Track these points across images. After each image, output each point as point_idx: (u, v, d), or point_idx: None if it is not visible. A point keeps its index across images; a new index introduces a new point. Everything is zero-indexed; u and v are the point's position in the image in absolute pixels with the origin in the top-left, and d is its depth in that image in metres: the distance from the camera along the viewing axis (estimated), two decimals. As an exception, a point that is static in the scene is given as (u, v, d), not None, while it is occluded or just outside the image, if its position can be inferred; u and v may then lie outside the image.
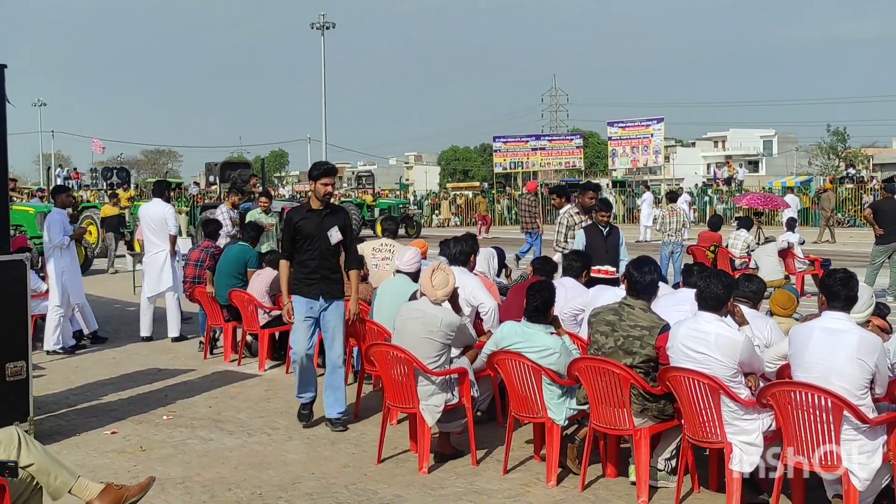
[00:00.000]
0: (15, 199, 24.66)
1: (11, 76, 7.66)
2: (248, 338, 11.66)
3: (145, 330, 13.17)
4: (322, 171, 8.22)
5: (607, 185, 49.98)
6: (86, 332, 12.71)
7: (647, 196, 35.03)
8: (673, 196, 22.07)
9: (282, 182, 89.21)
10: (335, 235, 8.16)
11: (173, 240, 13.03)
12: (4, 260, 7.62)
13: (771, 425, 5.93)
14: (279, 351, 11.33)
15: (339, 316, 8.26)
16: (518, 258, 20.93)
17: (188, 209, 31.47)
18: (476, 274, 9.50)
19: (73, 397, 9.64)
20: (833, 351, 5.62)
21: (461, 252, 8.75)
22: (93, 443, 7.98)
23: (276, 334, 11.25)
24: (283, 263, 8.36)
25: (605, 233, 10.69)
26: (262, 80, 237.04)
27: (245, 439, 8.07)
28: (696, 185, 59.23)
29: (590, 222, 11.19)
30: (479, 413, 7.98)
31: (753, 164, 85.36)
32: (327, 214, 8.21)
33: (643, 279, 6.74)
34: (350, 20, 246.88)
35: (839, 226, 41.87)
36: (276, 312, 10.93)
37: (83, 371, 10.97)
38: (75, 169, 55.84)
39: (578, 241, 10.78)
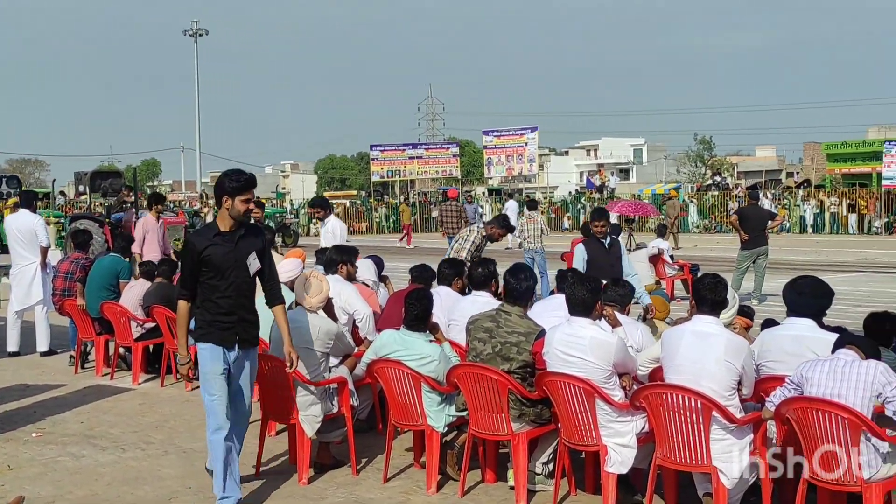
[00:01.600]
0: None
1: None
2: (121, 351, 11.38)
3: (12, 345, 12.72)
4: (242, 183, 6.31)
5: (483, 193, 50.51)
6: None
7: (510, 204, 35.46)
8: (532, 204, 22.44)
9: (154, 192, 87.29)
10: (254, 264, 6.47)
11: (44, 251, 12.70)
12: None
13: (644, 427, 6.06)
14: (153, 364, 11.10)
15: (255, 367, 6.68)
16: None
17: (57, 220, 30.54)
18: (360, 282, 9.51)
19: (-66, 416, 9.25)
20: (702, 353, 5.78)
21: (331, 261, 8.84)
22: (-43, 463, 7.67)
23: (150, 347, 11.03)
24: (183, 305, 6.44)
25: (606, 245, 10.05)
26: (133, 87, 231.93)
27: (119, 455, 7.86)
28: (570, 192, 60.39)
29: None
30: (358, 422, 7.94)
31: (624, 173, 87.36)
32: (241, 237, 6.39)
33: (519, 286, 6.81)
34: (224, 27, 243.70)
35: (707, 231, 43.29)
36: (149, 325, 10.74)
37: (-55, 388, 10.53)
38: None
39: (578, 256, 10.13)
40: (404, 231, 39.83)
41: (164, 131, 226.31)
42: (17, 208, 13.95)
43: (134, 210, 25.06)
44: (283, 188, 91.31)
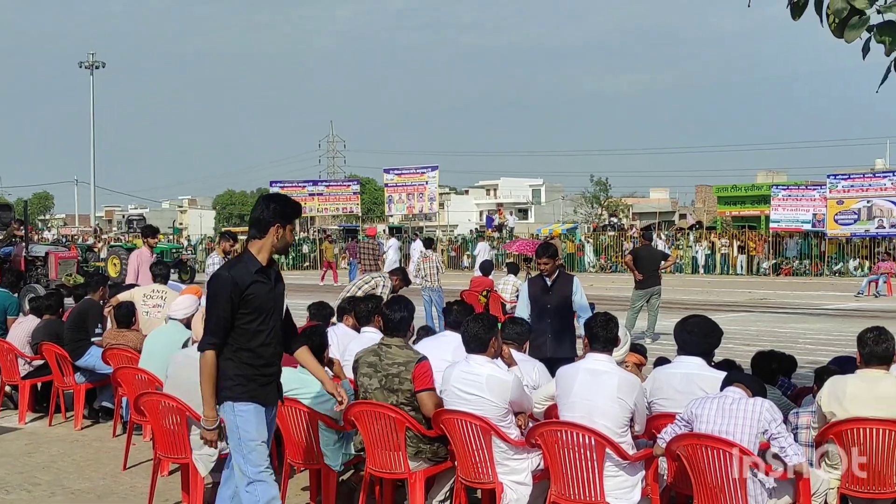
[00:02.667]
0: None
1: None
2: (7, 389, 11.03)
3: None
4: (295, 209, 5.64)
5: (384, 230, 50.48)
6: None
7: (416, 244, 35.47)
8: (428, 243, 22.70)
9: (46, 225, 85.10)
10: (284, 307, 5.73)
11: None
12: None
13: (539, 464, 6.10)
14: (41, 403, 10.78)
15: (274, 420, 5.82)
16: None
17: None
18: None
19: None
20: (596, 391, 5.86)
21: None
22: None
23: (38, 385, 10.71)
24: (212, 356, 5.33)
25: (548, 283, 9.23)
26: (25, 119, 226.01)
27: (2, 497, 7.58)
28: (470, 231, 60.78)
29: None
30: (254, 461, 7.82)
31: (523, 212, 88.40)
32: (277, 275, 5.60)
33: (394, 316, 6.79)
34: (122, 60, 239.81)
35: (603, 271, 43.97)
36: (37, 362, 10.45)
37: None
38: None
39: (522, 295, 9.50)
40: (325, 268, 39.00)
41: (58, 164, 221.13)
42: None
43: (24, 244, 24.44)
44: (181, 223, 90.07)
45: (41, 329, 10.57)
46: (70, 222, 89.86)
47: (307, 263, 50.54)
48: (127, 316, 10.18)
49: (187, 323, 8.56)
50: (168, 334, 8.54)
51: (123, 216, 61.71)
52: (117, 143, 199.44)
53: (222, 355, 5.31)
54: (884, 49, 4.39)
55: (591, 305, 14.89)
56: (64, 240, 49.24)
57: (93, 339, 10.28)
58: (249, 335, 5.34)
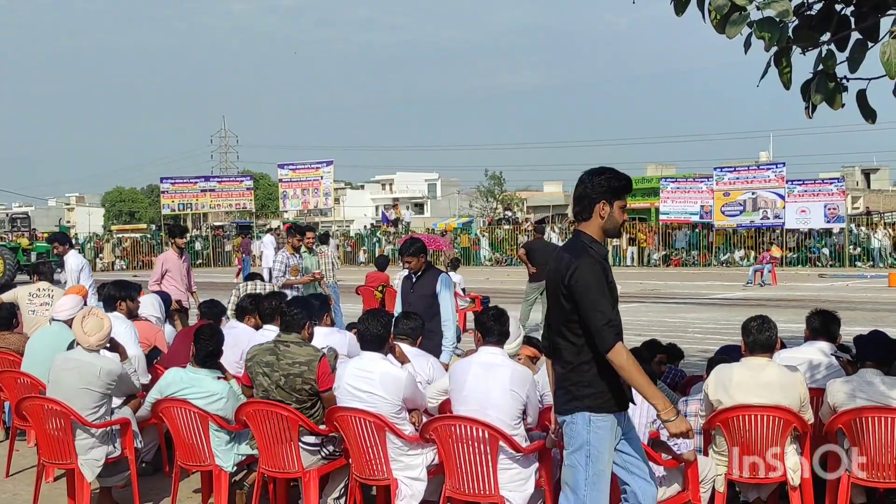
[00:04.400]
0: None
1: None
2: None
3: None
4: (626, 183, 4.81)
5: (278, 227, 49.99)
6: None
7: (267, 238, 35.08)
8: (324, 238, 22.62)
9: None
10: None
11: None
12: None
13: (434, 459, 6.10)
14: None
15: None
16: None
17: None
18: (144, 318, 9.23)
19: None
20: (488, 384, 5.86)
21: (110, 297, 8.63)
22: None
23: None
24: (623, 346, 4.54)
25: (412, 280, 9.01)
26: None
27: None
28: (365, 226, 60.64)
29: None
30: (143, 465, 7.66)
31: (419, 206, 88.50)
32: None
33: (290, 311, 6.78)
34: (7, 56, 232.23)
35: (498, 265, 44.32)
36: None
37: None
38: None
39: (399, 291, 9.36)
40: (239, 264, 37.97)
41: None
42: None
43: None
44: (68, 221, 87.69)
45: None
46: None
47: (200, 261, 49.71)
48: (7, 318, 9.86)
49: (71, 324, 8.32)
50: (52, 335, 8.29)
51: (7, 214, 59.62)
52: (3, 136, 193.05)
53: (583, 357, 4.63)
54: (764, 44, 4.47)
55: (485, 299, 14.98)
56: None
57: (-28, 343, 9.94)
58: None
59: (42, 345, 8.27)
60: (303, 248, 13.04)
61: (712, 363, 6.95)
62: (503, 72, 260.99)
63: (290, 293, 11.04)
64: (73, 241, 12.82)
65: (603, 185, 4.69)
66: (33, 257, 32.52)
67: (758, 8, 4.31)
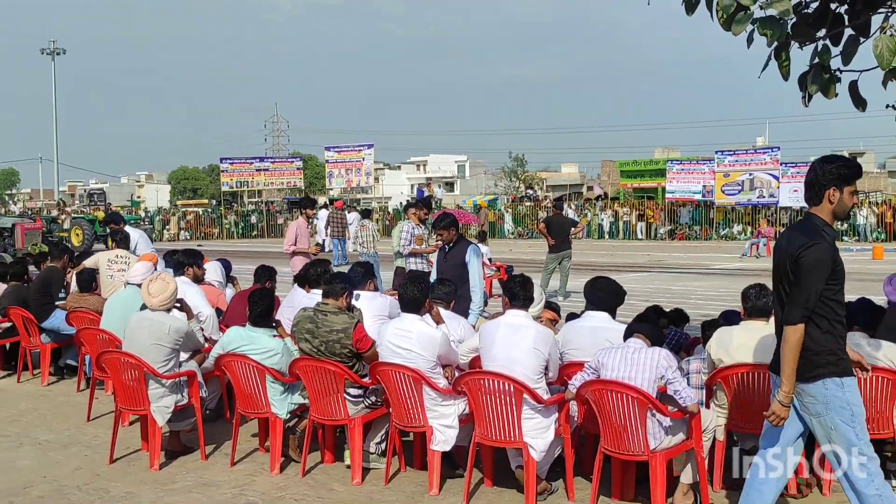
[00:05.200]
0: None
1: None
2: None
3: None
4: (856, 170, 4.56)
5: (325, 203, 50.11)
6: None
7: (322, 212, 35.25)
8: (366, 213, 22.84)
9: (13, 199, 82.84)
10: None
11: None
12: None
13: (465, 409, 6.12)
14: (9, 362, 10.54)
15: None
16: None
17: None
18: (208, 283, 9.30)
19: None
20: (514, 343, 5.88)
21: (179, 263, 8.78)
22: None
23: (7, 345, 10.47)
24: (802, 329, 4.41)
25: (445, 251, 9.03)
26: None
27: (-26, 448, 7.41)
28: (401, 203, 60.56)
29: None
30: (207, 411, 7.72)
31: (450, 185, 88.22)
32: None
33: (331, 282, 6.82)
34: (81, 46, 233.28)
35: (520, 237, 44.22)
36: (5, 325, 10.23)
37: None
38: None
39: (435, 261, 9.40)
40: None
41: (23, 143, 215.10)
42: None
43: (-7, 216, 23.75)
44: (139, 197, 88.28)
45: (8, 294, 10.36)
46: (35, 196, 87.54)
47: (255, 232, 50.04)
48: (88, 281, 10.00)
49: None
50: (127, 297, 8.37)
51: (85, 190, 60.16)
52: (79, 123, 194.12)
53: (818, 329, 4.42)
54: (766, 40, 4.43)
55: (509, 268, 14.95)
56: (29, 213, 48.04)
57: (57, 303, 10.08)
58: (837, 307, 4.49)
59: (118, 305, 8.37)
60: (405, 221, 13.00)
61: (705, 326, 6.94)
62: (526, 62, 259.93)
63: (414, 263, 11.73)
64: (125, 220, 13.31)
65: (833, 173, 4.48)
66: (108, 229, 32.75)
67: (761, 7, 4.27)
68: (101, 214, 35.95)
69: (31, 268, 12.09)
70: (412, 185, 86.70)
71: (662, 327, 7.29)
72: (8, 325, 10.25)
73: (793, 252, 4.40)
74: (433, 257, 10.23)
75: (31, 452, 7.28)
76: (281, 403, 6.72)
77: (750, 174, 39.82)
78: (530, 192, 58.14)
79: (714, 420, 5.97)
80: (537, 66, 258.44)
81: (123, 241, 11.18)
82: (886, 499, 4.39)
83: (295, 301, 8.09)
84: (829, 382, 4.41)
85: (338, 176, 49.76)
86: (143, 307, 7.31)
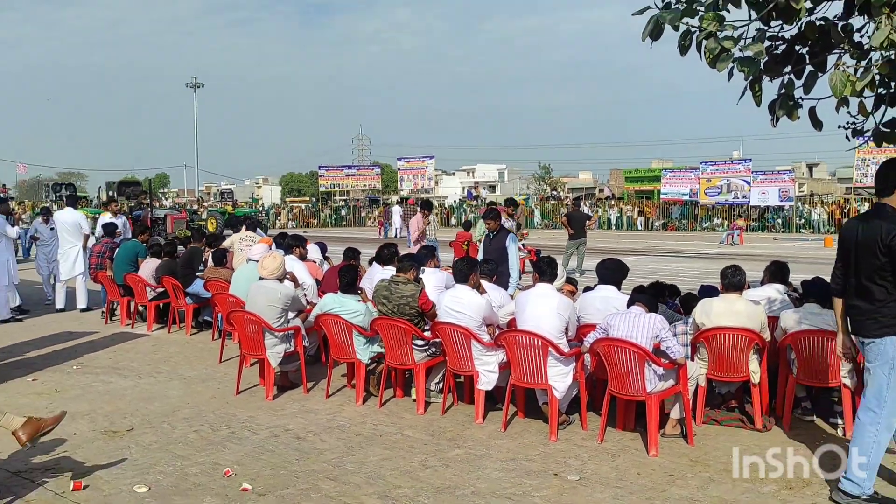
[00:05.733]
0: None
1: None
2: (139, 308, 11.00)
3: (60, 303, 12.24)
4: None
5: (397, 200, 50.27)
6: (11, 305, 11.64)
7: (395, 208, 35.45)
8: (426, 205, 22.93)
9: (164, 196, 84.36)
10: None
11: (87, 237, 12.38)
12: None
13: (503, 358, 6.11)
14: (162, 317, 10.75)
15: None
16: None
17: (93, 216, 29.33)
18: (310, 260, 9.38)
19: (1, 354, 8.78)
20: (542, 308, 5.85)
21: (288, 245, 8.89)
22: (18, 388, 7.30)
23: (160, 305, 10.69)
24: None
25: (490, 237, 8.93)
26: (150, 121, 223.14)
27: (137, 381, 7.59)
28: (455, 201, 60.53)
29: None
30: (309, 357, 7.82)
31: (493, 188, 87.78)
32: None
33: (402, 259, 6.86)
34: (218, 80, 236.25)
35: (547, 228, 43.87)
36: (159, 290, 10.44)
37: (9, 335, 10.01)
38: (3, 185, 50.87)
39: (481, 245, 9.34)
40: (381, 225, 38.44)
41: (172, 153, 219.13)
42: (64, 207, 13.43)
43: (149, 209, 24.25)
44: (257, 196, 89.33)
45: (161, 267, 10.54)
46: (181, 194, 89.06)
47: (344, 223, 50.39)
48: (220, 258, 10.16)
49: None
50: (249, 270, 8.49)
51: (218, 190, 61.27)
52: (214, 138, 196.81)
53: (892, 296, 4.25)
54: (744, 76, 4.34)
55: (538, 251, 14.80)
56: (177, 206, 48.93)
57: (197, 274, 10.26)
58: None
59: (243, 276, 8.47)
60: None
61: (685, 300, 6.85)
62: (555, 93, 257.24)
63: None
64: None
65: None
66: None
67: (740, 49, 4.18)
68: (229, 208, 36.56)
69: (179, 247, 12.34)
70: (463, 188, 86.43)
71: (667, 297, 7.18)
72: (161, 289, 10.47)
73: (884, 238, 4.20)
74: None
75: (179, 385, 7.45)
76: (364, 351, 6.76)
77: (727, 180, 39.00)
78: (555, 193, 57.58)
79: (697, 370, 5.89)
80: (562, 96, 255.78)
81: (251, 227, 11.44)
82: (880, 445, 4.30)
83: (373, 274, 8.15)
84: (889, 340, 4.26)
85: (407, 180, 49.82)
86: (261, 277, 7.42)
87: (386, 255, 8.13)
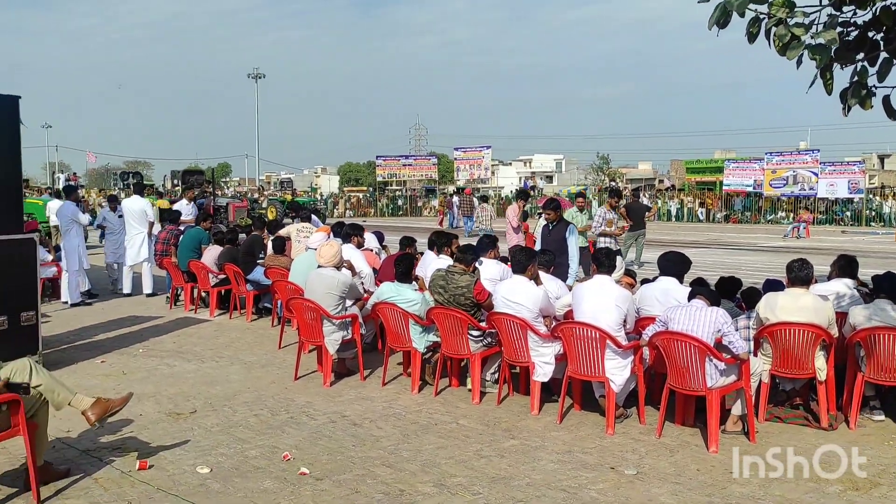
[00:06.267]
0: (27, 194, 23.15)
1: (22, 104, 7.16)
2: (202, 294, 11.28)
3: (126, 288, 12.66)
4: None
5: (454, 190, 50.36)
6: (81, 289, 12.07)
7: (455, 199, 35.27)
8: (484, 198, 23.29)
9: (226, 185, 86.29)
10: None
11: (151, 225, 12.74)
12: (20, 238, 7.17)
13: (560, 350, 6.07)
14: (224, 303, 11.00)
15: None
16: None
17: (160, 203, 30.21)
18: (368, 249, 9.46)
19: (71, 337, 9.13)
20: (600, 301, 5.79)
21: (346, 234, 8.92)
22: (87, 369, 7.58)
23: (222, 291, 10.93)
24: None
25: (549, 228, 9.06)
26: (212, 111, 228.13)
27: (199, 365, 7.80)
28: (511, 191, 60.26)
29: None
30: (366, 344, 7.90)
31: (549, 178, 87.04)
32: None
33: (463, 251, 6.82)
34: (277, 71, 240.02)
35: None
36: (221, 276, 10.66)
37: (79, 319, 10.40)
38: (74, 173, 52.88)
39: (537, 235, 9.43)
40: (441, 215, 38.38)
41: (234, 143, 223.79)
42: (131, 194, 13.88)
43: (212, 197, 24.83)
44: (316, 185, 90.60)
45: (223, 254, 10.74)
46: (243, 183, 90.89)
47: (401, 212, 50.71)
48: (280, 246, 10.32)
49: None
50: (307, 258, 8.61)
51: (278, 179, 62.45)
52: (274, 128, 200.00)
53: None
54: (815, 63, 4.19)
55: (596, 243, 14.59)
56: (238, 195, 49.93)
57: (258, 262, 10.45)
58: None
59: (302, 265, 8.58)
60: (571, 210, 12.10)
61: (747, 293, 6.68)
62: (606, 84, 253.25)
63: (603, 241, 11.39)
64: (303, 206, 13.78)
65: None
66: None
67: (811, 36, 4.04)
68: (288, 197, 37.15)
69: (241, 235, 12.60)
70: (520, 178, 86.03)
71: (732, 291, 7.00)
72: (223, 276, 10.70)
73: None
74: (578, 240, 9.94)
75: (239, 369, 7.62)
76: (420, 340, 6.80)
77: (794, 171, 37.83)
78: (613, 183, 56.68)
79: (760, 366, 5.75)
80: (620, 86, 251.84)
81: (306, 218, 11.58)
82: None
83: (427, 261, 8.18)
84: None
85: (463, 170, 49.82)
86: (319, 265, 7.53)
87: (441, 243, 8.16)
